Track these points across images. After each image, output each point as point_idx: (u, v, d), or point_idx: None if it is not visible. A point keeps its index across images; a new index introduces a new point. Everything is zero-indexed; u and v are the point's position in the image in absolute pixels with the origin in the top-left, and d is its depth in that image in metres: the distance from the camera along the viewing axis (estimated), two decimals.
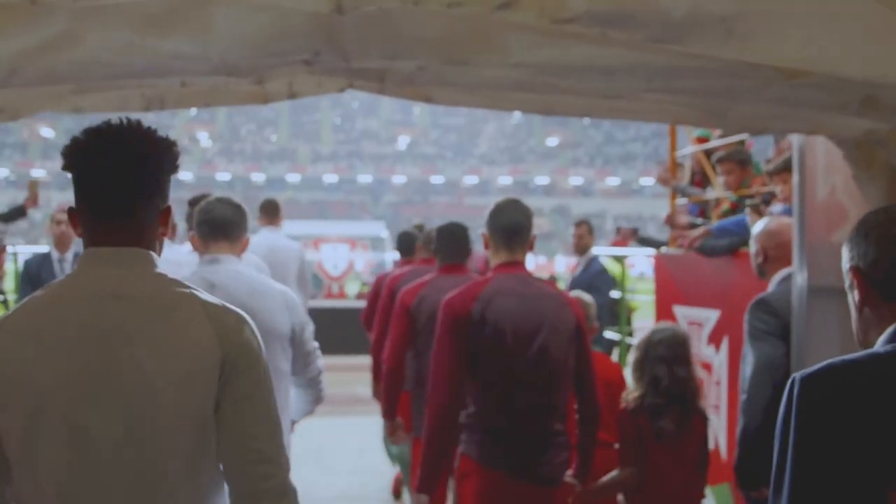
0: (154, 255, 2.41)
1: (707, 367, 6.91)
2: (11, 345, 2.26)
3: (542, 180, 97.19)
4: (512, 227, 4.51)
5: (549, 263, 58.70)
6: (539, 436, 4.42)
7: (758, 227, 4.80)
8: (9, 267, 6.72)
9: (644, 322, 11.20)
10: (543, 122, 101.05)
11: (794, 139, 4.39)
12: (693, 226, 7.28)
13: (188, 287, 2.39)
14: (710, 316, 6.92)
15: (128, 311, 2.29)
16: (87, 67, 3.29)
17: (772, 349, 4.36)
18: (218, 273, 4.33)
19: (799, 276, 4.44)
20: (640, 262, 13.26)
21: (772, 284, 4.70)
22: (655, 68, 3.00)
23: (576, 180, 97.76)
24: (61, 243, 8.63)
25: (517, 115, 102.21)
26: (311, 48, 3.12)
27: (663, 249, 8.30)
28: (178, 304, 2.33)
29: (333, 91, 3.87)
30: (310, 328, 4.56)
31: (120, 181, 2.34)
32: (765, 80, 3.06)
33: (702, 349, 6.99)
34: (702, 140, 7.76)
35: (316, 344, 4.59)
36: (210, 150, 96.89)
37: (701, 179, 7.91)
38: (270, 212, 9.03)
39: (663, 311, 7.80)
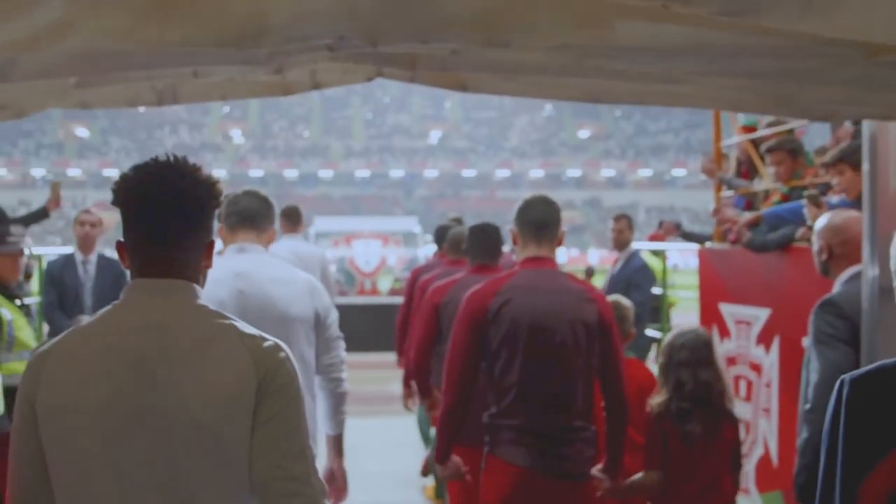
0: (197, 287, 2.52)
1: (756, 367, 6.64)
2: (59, 371, 2.37)
3: (574, 173, 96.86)
4: (540, 221, 4.55)
5: (582, 256, 58.40)
6: (559, 431, 4.44)
7: (821, 221, 4.46)
8: (24, 268, 6.37)
9: (683, 319, 10.89)
10: (574, 114, 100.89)
11: (865, 126, 4.04)
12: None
13: (228, 318, 2.49)
14: (760, 315, 6.64)
15: (170, 341, 2.39)
16: (85, 58, 3.03)
17: (840, 356, 4.03)
18: (242, 261, 4.36)
19: (869, 275, 4.10)
20: (673, 255, 12.96)
21: (837, 284, 4.36)
22: (719, 48, 2.67)
23: (607, 172, 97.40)
24: (85, 245, 8.42)
25: (548, 107, 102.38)
26: (334, 31, 2.81)
27: (708, 244, 7.96)
28: (218, 334, 2.42)
29: (361, 80, 3.58)
30: (334, 315, 4.53)
31: (166, 216, 2.45)
32: (841, 59, 2.73)
33: (750, 349, 6.74)
34: (748, 129, 7.40)
35: (340, 333, 4.56)
36: (243, 147, 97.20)
37: (748, 170, 7.54)
38: (292, 218, 8.82)
39: (708, 308, 7.51)
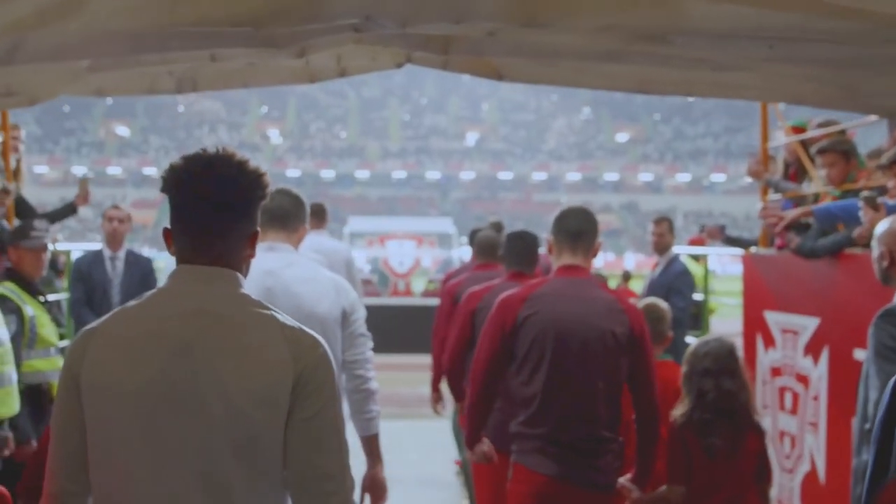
0: (239, 276, 2.56)
1: (803, 379, 6.37)
2: (103, 351, 2.45)
3: (612, 176, 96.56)
4: (576, 231, 4.56)
5: (618, 260, 57.97)
6: (585, 442, 4.44)
7: (882, 226, 4.17)
8: (49, 263, 6.23)
9: (723, 326, 10.60)
10: (613, 117, 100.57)
11: None
12: (789, 225, 6.62)
13: (269, 308, 2.53)
14: (808, 324, 6.37)
15: (211, 327, 2.44)
16: (96, 39, 2.83)
17: None
18: (271, 260, 4.37)
19: None
20: (711, 260, 12.65)
21: None
22: (782, 31, 2.40)
23: (645, 176, 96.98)
24: (113, 241, 8.27)
25: (586, 110, 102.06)
26: (359, 11, 2.58)
27: (753, 249, 7.66)
28: (259, 323, 2.48)
29: (390, 66, 3.35)
30: (360, 313, 4.52)
31: (212, 204, 2.50)
32: None
33: (797, 360, 6.49)
34: (798, 129, 7.09)
35: (367, 332, 4.54)
36: (280, 147, 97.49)
37: (796, 173, 7.24)
38: (317, 215, 8.63)
39: (752, 316, 7.24)
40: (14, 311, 5.84)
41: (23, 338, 5.86)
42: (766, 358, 6.92)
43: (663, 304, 5.71)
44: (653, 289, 8.81)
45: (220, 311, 2.48)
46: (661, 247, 9.07)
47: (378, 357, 4.64)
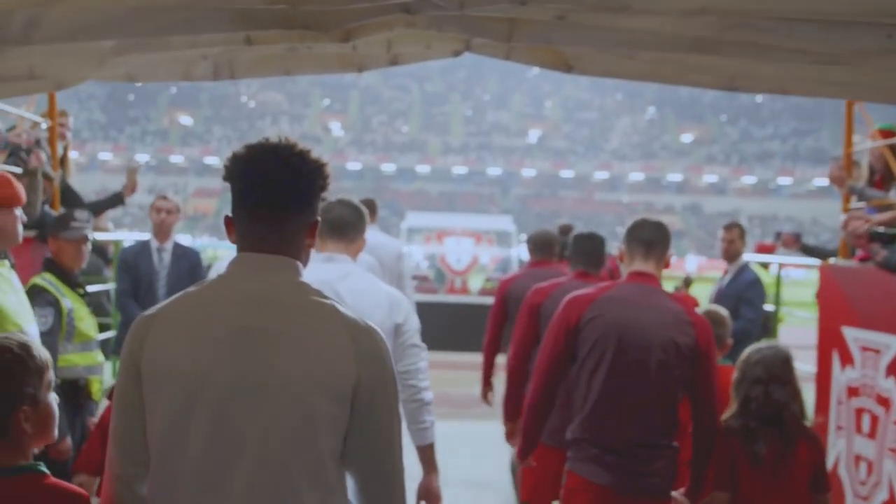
0: (299, 264, 2.59)
1: (884, 402, 6.02)
2: (164, 335, 2.47)
3: (675, 177, 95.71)
4: (650, 240, 4.60)
5: (680, 262, 57.21)
6: (639, 449, 4.45)
7: None
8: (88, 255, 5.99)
9: (792, 335, 10.17)
10: (678, 117, 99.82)
11: None
12: (875, 235, 6.20)
13: (328, 298, 2.55)
14: (892, 343, 6.01)
15: (271, 315, 2.47)
16: (118, 17, 2.52)
17: None
18: (327, 271, 4.38)
19: None
20: (775, 268, 12.13)
21: None
22: None
23: (710, 178, 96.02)
24: (161, 232, 8.04)
25: (651, 109, 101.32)
26: None
27: (832, 260, 7.23)
28: (319, 313, 2.50)
29: (446, 55, 3.02)
30: (413, 324, 4.51)
31: (273, 193, 2.53)
32: None
33: (878, 380, 6.14)
34: (887, 133, 6.67)
35: (421, 343, 4.52)
36: (342, 141, 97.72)
37: (883, 179, 6.80)
38: (368, 210, 8.33)
39: (828, 331, 6.84)
40: (52, 303, 5.60)
41: (60, 331, 5.63)
42: (842, 376, 6.53)
43: (723, 311, 5.65)
44: (722, 298, 8.42)
45: (281, 298, 2.50)
46: (731, 254, 8.65)
47: (431, 355, 4.61)
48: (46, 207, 6.93)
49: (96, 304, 8.81)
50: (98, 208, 8.01)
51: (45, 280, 5.70)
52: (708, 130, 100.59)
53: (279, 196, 2.54)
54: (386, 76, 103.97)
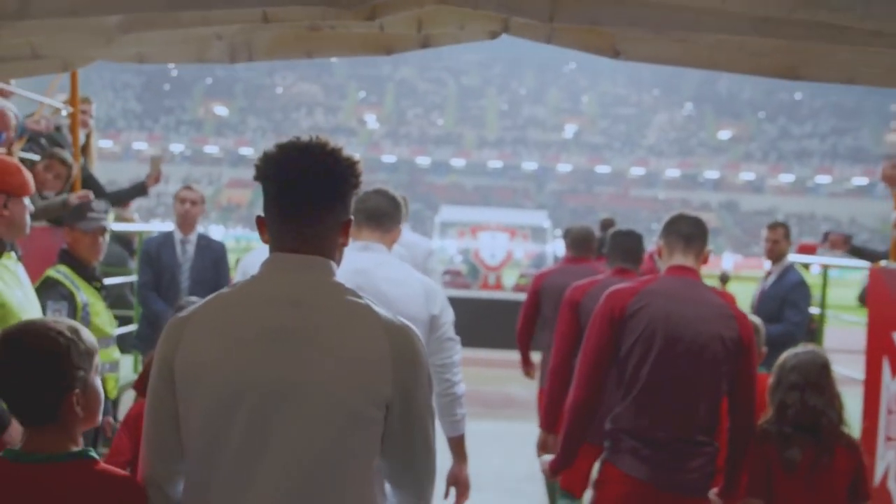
0: (333, 264, 2.57)
1: None
2: (198, 338, 2.46)
3: (712, 174, 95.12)
4: (688, 234, 4.56)
5: (716, 260, 56.73)
6: (679, 444, 4.38)
7: None
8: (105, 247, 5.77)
9: (835, 339, 9.86)
10: (716, 114, 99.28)
11: None
12: None
13: (362, 298, 2.54)
14: None
15: (305, 315, 2.45)
16: None
17: None
18: (364, 260, 4.37)
19: None
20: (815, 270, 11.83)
21: None
22: None
23: (747, 175, 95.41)
24: (185, 224, 7.78)
25: (689, 105, 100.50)
26: None
27: (883, 263, 6.92)
28: (354, 313, 2.49)
29: (482, 37, 2.76)
30: (449, 316, 4.49)
31: (306, 192, 2.51)
32: None
33: None
34: None
35: (455, 336, 4.50)
36: (377, 133, 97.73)
37: None
38: None
39: (879, 336, 6.52)
40: (66, 297, 5.36)
41: None
42: (893, 384, 6.22)
43: (756, 320, 5.41)
44: (765, 300, 8.11)
45: (314, 299, 2.49)
46: (776, 254, 8.32)
47: (463, 352, 4.58)
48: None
49: (119, 297, 8.63)
50: (121, 198, 7.81)
51: (60, 273, 5.47)
52: (746, 127, 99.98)
53: (311, 196, 2.53)
54: (422, 69, 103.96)
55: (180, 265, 7.69)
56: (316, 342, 2.44)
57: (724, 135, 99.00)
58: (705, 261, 4.60)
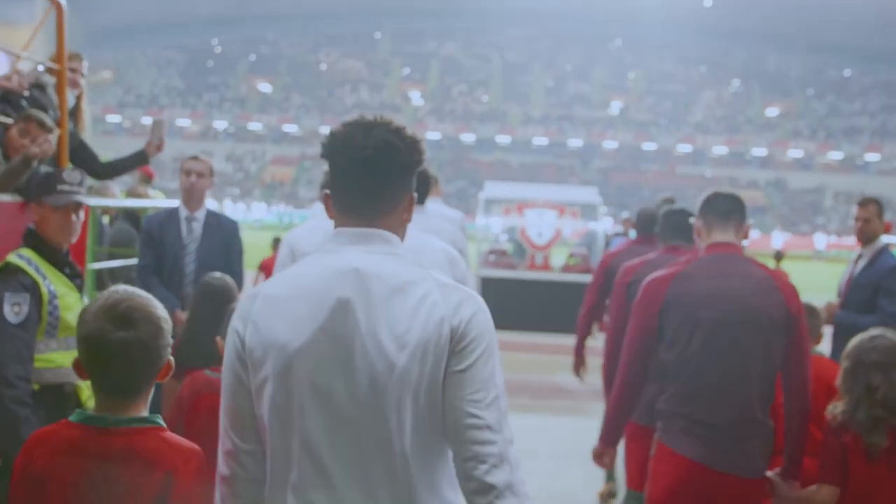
0: (397, 238, 2.67)
1: None
2: (267, 310, 2.56)
3: (759, 152, 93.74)
4: (726, 210, 4.54)
5: (765, 238, 55.68)
6: (732, 424, 4.34)
7: None
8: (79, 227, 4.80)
9: None
10: (763, 90, 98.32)
11: None
12: None
13: (425, 268, 2.63)
14: None
15: (370, 286, 2.54)
16: None
17: None
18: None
19: None
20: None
21: None
22: None
23: (795, 153, 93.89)
24: (191, 199, 6.82)
25: (736, 82, 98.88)
26: None
27: None
28: (415, 282, 2.56)
29: None
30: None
31: (373, 169, 2.61)
32: None
33: None
34: None
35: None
36: (421, 110, 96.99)
37: None
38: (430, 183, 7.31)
39: None
40: (27, 287, 4.44)
41: (39, 323, 4.47)
42: None
43: (815, 304, 5.48)
44: (856, 288, 7.13)
45: (379, 270, 2.56)
46: (867, 235, 7.28)
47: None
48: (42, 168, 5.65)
49: (127, 281, 7.71)
50: (119, 168, 6.82)
51: (23, 258, 4.54)
52: (794, 104, 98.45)
53: (377, 173, 2.61)
54: (466, 45, 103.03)
55: (185, 245, 6.73)
56: (377, 310, 2.51)
57: (772, 112, 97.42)
58: (746, 235, 4.57)
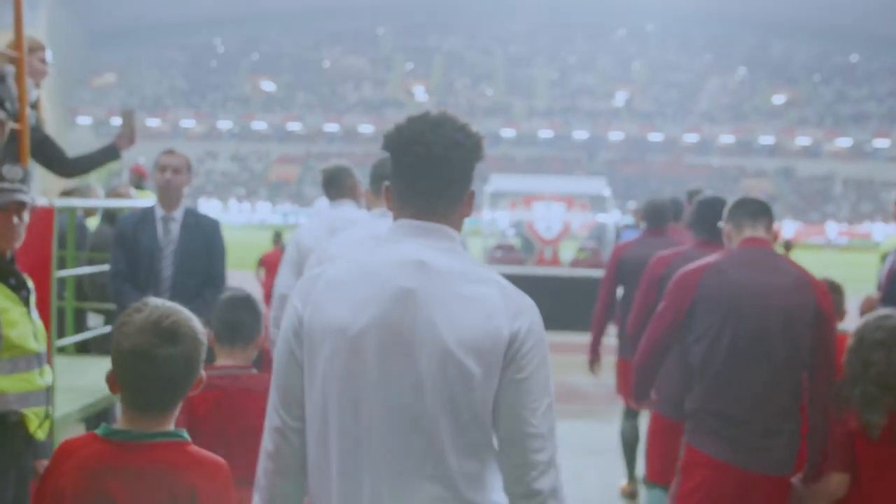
0: (456, 233, 2.70)
1: None
2: (327, 293, 2.60)
3: (767, 140, 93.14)
4: (755, 210, 4.59)
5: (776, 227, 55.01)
6: (762, 422, 4.33)
7: None
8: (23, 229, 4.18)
9: None
10: (769, 78, 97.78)
11: None
12: None
13: (485, 266, 2.70)
14: None
15: (429, 277, 2.56)
16: None
17: None
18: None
19: None
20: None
21: None
22: None
23: (803, 140, 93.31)
24: (167, 197, 6.24)
25: (742, 70, 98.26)
26: None
27: None
28: (476, 279, 2.59)
29: None
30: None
31: (435, 163, 2.64)
32: None
33: None
34: None
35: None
36: (425, 105, 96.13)
37: None
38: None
39: None
40: None
41: None
42: None
43: (836, 280, 5.55)
44: (894, 279, 6.54)
45: (440, 262, 2.59)
46: None
47: None
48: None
49: (101, 288, 7.16)
50: (87, 165, 6.19)
51: None
52: (800, 91, 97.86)
53: (441, 169, 2.64)
54: (469, 39, 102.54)
55: (161, 248, 6.16)
56: (435, 301, 2.52)
57: (779, 99, 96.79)
58: (776, 237, 3.98)
